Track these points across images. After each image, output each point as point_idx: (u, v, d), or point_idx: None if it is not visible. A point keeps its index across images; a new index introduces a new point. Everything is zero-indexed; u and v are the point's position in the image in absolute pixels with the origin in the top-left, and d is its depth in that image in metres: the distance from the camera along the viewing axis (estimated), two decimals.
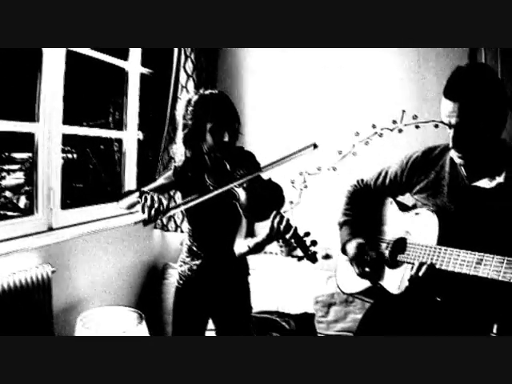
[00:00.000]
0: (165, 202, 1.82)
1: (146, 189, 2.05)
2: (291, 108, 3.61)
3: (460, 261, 1.55)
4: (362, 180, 2.07)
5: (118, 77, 3.52)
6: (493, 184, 1.65)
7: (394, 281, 1.82)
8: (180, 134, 2.11)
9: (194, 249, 2.21)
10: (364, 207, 2.05)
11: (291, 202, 3.61)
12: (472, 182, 1.70)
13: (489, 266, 1.48)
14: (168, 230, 3.56)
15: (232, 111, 2.06)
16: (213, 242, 2.19)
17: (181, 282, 2.25)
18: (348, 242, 1.96)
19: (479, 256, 1.51)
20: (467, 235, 1.65)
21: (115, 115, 4.38)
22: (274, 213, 1.81)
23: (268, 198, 1.88)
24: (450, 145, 1.64)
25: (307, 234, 1.79)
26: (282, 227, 1.78)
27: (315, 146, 1.82)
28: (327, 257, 3.54)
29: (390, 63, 3.29)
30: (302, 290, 3.37)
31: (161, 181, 2.15)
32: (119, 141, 3.60)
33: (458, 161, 1.69)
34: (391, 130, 3.30)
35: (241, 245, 2.03)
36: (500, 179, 1.63)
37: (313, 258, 1.79)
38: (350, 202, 2.08)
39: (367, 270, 1.88)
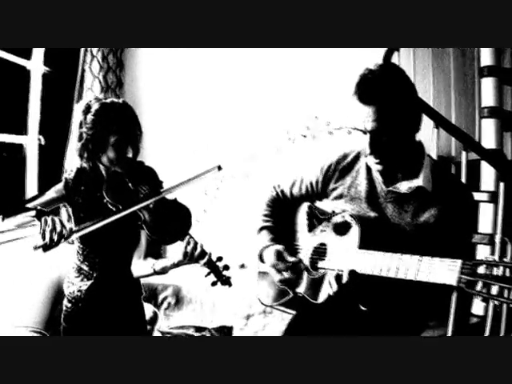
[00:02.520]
0: (67, 225, 1.69)
1: (32, 204, 1.86)
2: (200, 113, 3.54)
3: (380, 264, 1.52)
4: (279, 186, 2.01)
5: (18, 76, 3.26)
6: (411, 187, 1.63)
7: (316, 289, 1.76)
8: (75, 144, 1.91)
9: (85, 268, 2.03)
10: (283, 214, 1.98)
11: (204, 211, 3.51)
12: (389, 186, 1.67)
13: (405, 267, 1.46)
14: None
15: (137, 125, 1.93)
16: (106, 261, 2.02)
17: (69, 305, 2.06)
18: (266, 248, 1.88)
19: (398, 257, 1.49)
20: (387, 239, 1.61)
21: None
22: (187, 238, 1.79)
23: (175, 219, 1.85)
24: (367, 151, 1.58)
25: (220, 259, 1.86)
26: (196, 254, 1.79)
27: (219, 167, 1.84)
28: (242, 266, 3.49)
29: (303, 68, 3.29)
30: (223, 303, 3.29)
31: (50, 194, 1.97)
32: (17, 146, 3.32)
33: (374, 167, 1.65)
34: (304, 137, 3.29)
35: (142, 266, 1.95)
36: (418, 182, 1.62)
37: (227, 282, 1.87)
38: (269, 209, 2.00)
39: (287, 276, 1.80)
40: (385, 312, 1.67)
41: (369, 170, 1.73)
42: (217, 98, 3.50)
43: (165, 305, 3.42)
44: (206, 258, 1.80)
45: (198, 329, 3.20)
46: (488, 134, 2.95)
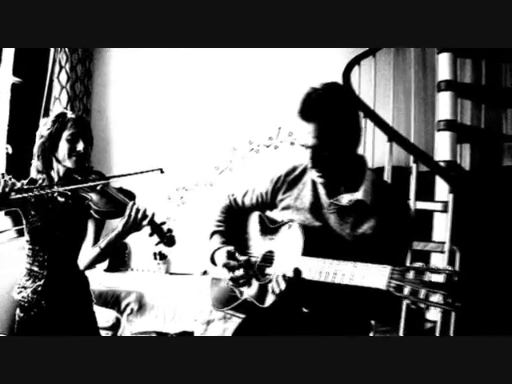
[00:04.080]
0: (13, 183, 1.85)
1: None
2: (165, 122, 3.59)
3: (320, 269, 1.58)
4: (233, 195, 2.07)
5: None
6: (351, 200, 1.70)
7: (263, 294, 1.81)
8: (35, 149, 2.06)
9: (35, 269, 2.08)
10: (235, 221, 2.04)
11: (168, 218, 3.54)
12: (331, 199, 1.74)
13: (342, 273, 1.52)
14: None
15: (89, 127, 2.12)
16: (55, 257, 2.08)
17: (21, 314, 2.09)
18: (217, 250, 1.94)
19: (336, 263, 1.55)
20: (330, 247, 1.68)
21: None
22: (131, 203, 1.90)
23: (121, 199, 1.96)
24: (309, 165, 1.67)
25: (164, 223, 1.95)
26: (139, 215, 1.88)
27: (162, 171, 2.02)
28: (205, 273, 3.53)
29: (267, 78, 3.35)
30: (184, 309, 3.32)
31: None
32: None
33: (317, 180, 1.73)
34: (267, 147, 3.35)
35: (90, 252, 2.01)
36: (358, 195, 1.69)
37: (170, 242, 1.96)
38: (222, 215, 2.07)
39: (237, 274, 1.85)
40: (326, 314, 1.73)
41: (314, 182, 1.80)
42: (182, 106, 3.54)
43: (128, 311, 3.44)
44: (149, 218, 1.88)
45: (160, 334, 3.23)
46: (443, 146, 3.05)
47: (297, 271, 1.63)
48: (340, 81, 2.76)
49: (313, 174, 1.73)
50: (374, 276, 1.47)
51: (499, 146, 3.55)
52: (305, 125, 1.61)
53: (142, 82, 3.67)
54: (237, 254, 1.87)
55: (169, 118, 3.58)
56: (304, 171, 1.86)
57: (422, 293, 1.36)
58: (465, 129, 3.27)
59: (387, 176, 2.66)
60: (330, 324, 1.75)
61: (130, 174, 2.02)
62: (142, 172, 2.02)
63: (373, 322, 1.98)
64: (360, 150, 1.72)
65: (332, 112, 1.59)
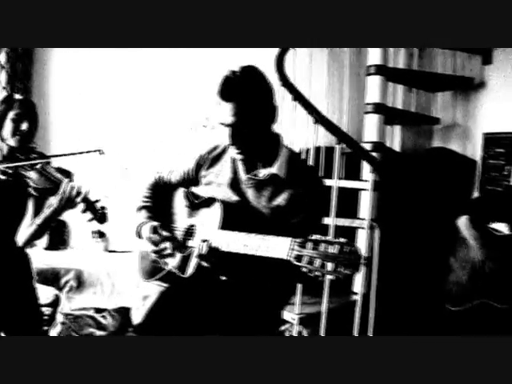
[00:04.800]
0: None
1: None
2: (102, 108, 3.63)
3: (234, 241, 1.71)
4: (159, 172, 2.16)
5: None
6: (266, 174, 1.83)
7: (184, 265, 1.92)
8: None
9: None
10: (161, 197, 2.14)
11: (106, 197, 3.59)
12: (249, 174, 1.87)
13: (251, 244, 1.66)
14: None
15: (35, 109, 2.19)
16: None
17: None
18: (143, 224, 2.04)
19: (246, 236, 1.69)
20: (248, 220, 1.83)
21: None
22: (66, 180, 2.01)
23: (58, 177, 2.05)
24: (228, 143, 1.78)
25: (98, 201, 2.08)
26: (73, 192, 1.99)
27: (101, 152, 2.14)
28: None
29: (206, 63, 3.43)
30: (122, 285, 3.40)
31: None
32: None
33: (236, 157, 1.85)
34: (205, 127, 3.44)
35: (26, 229, 2.09)
36: (273, 170, 1.82)
37: (102, 218, 2.09)
38: (149, 191, 2.16)
39: (161, 247, 1.95)
40: (244, 283, 1.86)
41: (233, 159, 1.92)
42: (121, 93, 3.59)
43: (67, 288, 3.49)
44: (83, 195, 2.00)
45: (98, 310, 3.30)
46: (371, 128, 3.19)
47: (211, 249, 1.75)
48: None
49: (232, 152, 1.84)
50: (277, 247, 1.60)
51: (428, 129, 3.74)
52: (224, 104, 1.72)
53: (79, 81, 3.69)
54: (160, 229, 1.97)
55: (104, 105, 3.63)
56: (225, 149, 1.98)
57: (317, 262, 1.49)
58: (393, 112, 3.42)
59: (312, 156, 2.80)
60: (247, 292, 1.87)
61: (70, 154, 2.11)
62: (81, 152, 2.11)
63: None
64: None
65: (249, 92, 1.72)
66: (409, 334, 2.75)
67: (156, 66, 3.55)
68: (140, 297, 3.22)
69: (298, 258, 1.52)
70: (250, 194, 1.88)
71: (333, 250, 1.48)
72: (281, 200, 1.83)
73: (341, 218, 2.93)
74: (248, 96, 1.71)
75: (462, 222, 2.45)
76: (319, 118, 2.65)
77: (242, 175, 1.89)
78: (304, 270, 1.51)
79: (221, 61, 2.78)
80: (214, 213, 1.85)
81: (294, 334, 2.88)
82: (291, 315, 2.81)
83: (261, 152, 1.85)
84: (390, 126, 3.72)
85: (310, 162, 2.85)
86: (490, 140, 3.49)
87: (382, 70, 3.27)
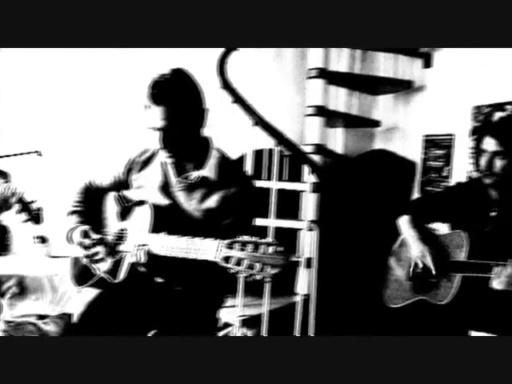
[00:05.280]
0: None
1: None
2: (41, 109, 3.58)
3: (163, 244, 1.71)
4: (90, 176, 2.15)
5: None
6: (196, 176, 1.84)
7: (116, 270, 1.91)
8: None
9: None
10: (92, 201, 2.12)
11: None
12: (179, 177, 1.88)
13: (180, 247, 1.67)
14: None
15: None
16: None
17: None
18: (74, 229, 2.02)
19: (175, 238, 1.69)
20: (179, 223, 1.83)
21: None
22: (1, 181, 2.04)
23: None
24: (159, 146, 1.78)
25: (33, 202, 2.09)
26: (8, 192, 2.01)
27: (39, 153, 2.20)
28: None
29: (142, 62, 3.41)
30: (64, 290, 3.34)
31: None
32: None
33: (166, 160, 1.86)
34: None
35: None
36: (203, 172, 1.84)
37: (36, 219, 2.11)
38: (80, 196, 2.14)
39: (92, 252, 1.94)
40: (180, 284, 1.87)
41: (164, 163, 1.92)
42: (60, 94, 3.54)
43: (8, 294, 3.41)
44: (18, 195, 2.01)
45: (41, 317, 3.24)
46: (312, 130, 3.23)
47: (145, 252, 1.75)
48: None
49: (162, 155, 1.85)
50: (205, 249, 1.61)
51: (369, 131, 3.81)
52: (154, 108, 1.71)
53: (20, 63, 3.61)
54: (91, 233, 1.96)
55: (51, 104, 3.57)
56: (155, 153, 1.97)
57: (245, 263, 1.50)
58: (335, 114, 3.47)
59: (251, 158, 2.83)
60: (182, 294, 1.88)
61: (6, 156, 2.11)
62: (20, 154, 2.09)
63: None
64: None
65: (179, 95, 1.72)
66: (350, 333, 2.79)
67: (95, 67, 3.50)
68: (83, 302, 3.17)
69: (226, 259, 1.53)
70: (181, 197, 1.88)
71: (260, 250, 1.49)
72: (211, 202, 1.84)
73: (284, 219, 2.97)
74: (178, 99, 1.72)
75: (402, 222, 2.50)
76: (258, 121, 2.67)
77: (173, 178, 1.90)
78: (232, 271, 1.52)
79: (154, 61, 2.77)
80: (145, 216, 1.85)
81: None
82: (233, 317, 2.82)
83: (191, 155, 1.86)
84: (332, 128, 3.77)
85: (249, 164, 2.87)
86: (430, 142, 3.58)
87: (323, 72, 3.31)
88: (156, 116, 1.71)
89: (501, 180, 2.22)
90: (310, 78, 3.32)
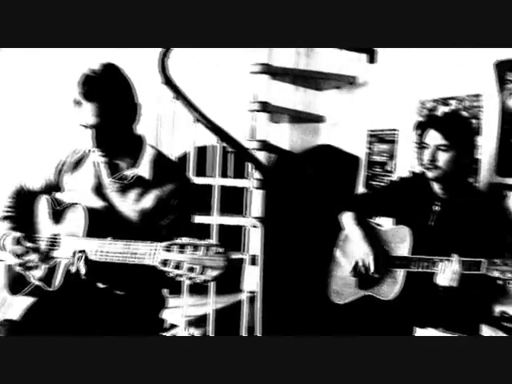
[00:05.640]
0: None
1: None
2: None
3: (101, 249, 1.66)
4: (21, 179, 2.06)
5: None
6: (130, 175, 1.80)
7: (50, 276, 1.83)
8: None
9: None
10: (23, 206, 2.03)
11: None
12: (112, 177, 1.82)
13: (116, 251, 1.62)
14: None
15: None
16: None
17: None
18: (5, 236, 1.93)
19: (109, 242, 1.65)
20: (115, 226, 1.78)
21: None
22: None
23: None
24: (92, 145, 1.71)
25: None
26: None
27: None
28: None
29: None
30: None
31: None
32: None
33: (99, 160, 1.79)
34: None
35: None
36: (137, 171, 1.79)
37: None
38: (11, 200, 2.06)
39: (25, 260, 1.86)
40: (122, 289, 1.80)
41: (96, 163, 1.85)
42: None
43: None
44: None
45: None
46: (257, 126, 3.21)
47: (81, 257, 1.67)
48: None
49: (95, 155, 1.78)
50: (142, 253, 1.55)
51: (314, 126, 3.80)
52: (85, 105, 1.64)
53: None
54: (23, 240, 1.87)
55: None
56: (87, 153, 1.90)
57: (184, 266, 1.45)
58: (279, 110, 3.44)
59: (192, 155, 2.78)
60: (127, 297, 1.81)
61: None
62: None
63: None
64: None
65: (111, 90, 1.66)
66: (297, 330, 2.79)
67: (22, 66, 3.40)
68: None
69: (164, 262, 1.48)
70: (115, 198, 1.82)
71: (200, 252, 1.45)
72: (147, 202, 1.79)
73: (228, 216, 2.94)
74: (111, 94, 1.66)
75: (345, 219, 2.49)
76: (200, 117, 2.62)
77: (106, 179, 1.83)
78: (171, 275, 1.47)
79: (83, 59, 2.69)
80: (78, 220, 1.77)
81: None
82: (178, 318, 2.76)
83: (124, 153, 1.81)
84: (276, 124, 3.75)
85: (191, 161, 2.81)
86: (374, 137, 3.60)
87: (267, 68, 3.28)
88: (88, 113, 1.65)
89: (444, 174, 2.23)
90: (254, 73, 3.28)
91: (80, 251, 1.67)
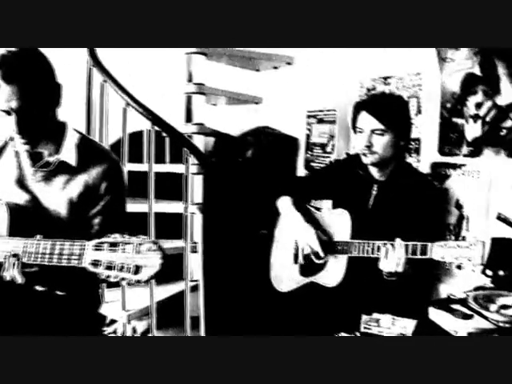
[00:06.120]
0: None
1: None
2: None
3: (28, 249, 1.52)
4: None
5: None
6: (53, 161, 1.68)
7: None
8: None
9: None
10: None
11: None
12: (35, 166, 1.69)
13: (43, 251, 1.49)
14: None
15: None
16: None
17: None
18: None
19: (31, 242, 1.51)
20: (41, 221, 1.66)
21: None
22: None
23: None
24: (14, 131, 1.57)
25: None
26: None
27: None
28: None
29: None
30: None
31: None
32: None
33: (21, 148, 1.66)
34: None
35: None
36: (60, 157, 1.68)
37: None
38: None
39: None
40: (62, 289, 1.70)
41: (17, 153, 1.72)
42: None
43: None
44: None
45: None
46: (193, 109, 3.11)
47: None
48: None
49: (16, 143, 1.66)
50: (70, 254, 1.44)
51: (252, 108, 3.72)
52: (5, 88, 1.51)
53: None
54: None
55: None
56: (7, 142, 1.76)
57: (117, 265, 1.35)
58: (215, 92, 3.35)
59: (125, 141, 2.66)
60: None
61: None
62: None
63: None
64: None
65: (31, 71, 1.55)
66: (240, 316, 2.74)
67: None
68: None
69: (95, 263, 1.37)
70: (40, 188, 1.69)
71: (133, 250, 1.35)
72: (74, 189, 1.67)
73: (166, 203, 2.84)
74: (31, 75, 1.54)
75: (283, 203, 2.43)
76: (131, 101, 2.49)
77: (28, 169, 1.70)
78: (102, 277, 1.37)
79: None
80: (1, 218, 1.63)
81: (128, 332, 2.74)
82: (119, 313, 2.65)
83: (47, 139, 1.68)
84: (213, 106, 3.65)
85: (126, 147, 2.69)
86: (313, 118, 3.55)
87: (202, 49, 3.17)
88: (7, 96, 1.51)
89: (380, 158, 2.19)
90: (189, 54, 3.17)
91: (13, 255, 1.52)
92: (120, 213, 1.77)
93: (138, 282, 1.35)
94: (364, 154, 2.19)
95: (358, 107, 2.26)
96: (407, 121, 2.28)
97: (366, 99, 2.38)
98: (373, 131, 2.15)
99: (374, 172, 2.27)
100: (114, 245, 1.36)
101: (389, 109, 2.20)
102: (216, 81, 3.52)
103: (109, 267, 1.35)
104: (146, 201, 2.56)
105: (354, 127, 2.26)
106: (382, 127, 2.13)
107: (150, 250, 1.34)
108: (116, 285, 2.47)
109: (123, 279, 1.34)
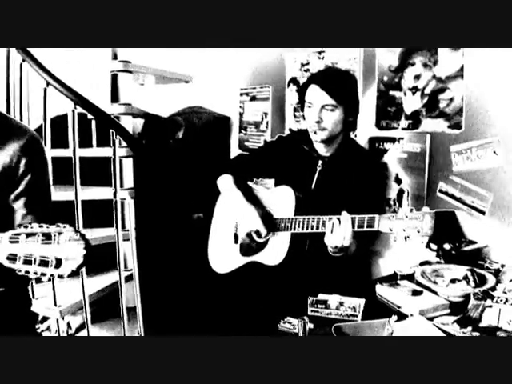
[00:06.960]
0: None
1: None
2: None
3: None
4: None
5: None
6: None
7: None
8: None
9: None
10: None
11: None
12: None
13: None
14: None
15: None
16: None
17: None
18: None
19: None
20: None
21: None
22: None
23: None
24: None
25: None
26: None
27: None
28: None
29: None
30: None
31: None
32: None
33: None
34: None
35: None
36: None
37: None
38: None
39: None
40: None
41: None
42: None
43: None
44: None
45: None
46: (121, 88, 2.94)
47: None
48: None
49: None
50: None
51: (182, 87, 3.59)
52: None
53: None
54: None
55: None
56: None
57: (37, 261, 1.22)
58: (143, 70, 3.19)
59: (45, 123, 2.48)
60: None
61: None
62: None
63: None
64: None
65: None
66: (179, 304, 2.64)
67: None
68: None
69: (11, 258, 1.22)
70: None
71: (54, 240, 1.21)
72: None
73: (94, 189, 2.68)
74: None
75: (223, 182, 2.34)
76: (52, 80, 2.29)
77: None
78: (21, 273, 1.22)
79: None
80: None
81: (63, 328, 2.58)
82: (50, 309, 2.47)
83: None
84: (141, 85, 3.49)
85: (48, 130, 2.50)
86: (246, 95, 3.47)
87: None
88: None
89: (329, 134, 2.14)
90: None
91: None
92: (45, 191, 1.63)
93: (61, 277, 1.21)
94: (314, 132, 2.13)
95: (309, 81, 2.19)
96: (356, 97, 2.24)
97: (317, 73, 2.31)
98: (323, 106, 2.09)
99: (320, 148, 2.22)
100: (31, 235, 1.22)
101: (340, 84, 2.15)
102: (143, 59, 3.37)
103: (27, 261, 1.21)
104: (72, 188, 2.38)
105: (302, 101, 2.19)
106: (333, 102, 2.08)
107: (71, 239, 1.20)
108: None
109: (43, 274, 1.20)
